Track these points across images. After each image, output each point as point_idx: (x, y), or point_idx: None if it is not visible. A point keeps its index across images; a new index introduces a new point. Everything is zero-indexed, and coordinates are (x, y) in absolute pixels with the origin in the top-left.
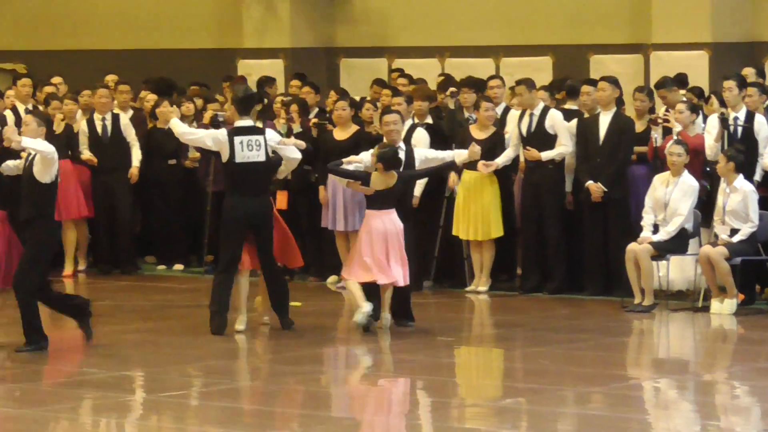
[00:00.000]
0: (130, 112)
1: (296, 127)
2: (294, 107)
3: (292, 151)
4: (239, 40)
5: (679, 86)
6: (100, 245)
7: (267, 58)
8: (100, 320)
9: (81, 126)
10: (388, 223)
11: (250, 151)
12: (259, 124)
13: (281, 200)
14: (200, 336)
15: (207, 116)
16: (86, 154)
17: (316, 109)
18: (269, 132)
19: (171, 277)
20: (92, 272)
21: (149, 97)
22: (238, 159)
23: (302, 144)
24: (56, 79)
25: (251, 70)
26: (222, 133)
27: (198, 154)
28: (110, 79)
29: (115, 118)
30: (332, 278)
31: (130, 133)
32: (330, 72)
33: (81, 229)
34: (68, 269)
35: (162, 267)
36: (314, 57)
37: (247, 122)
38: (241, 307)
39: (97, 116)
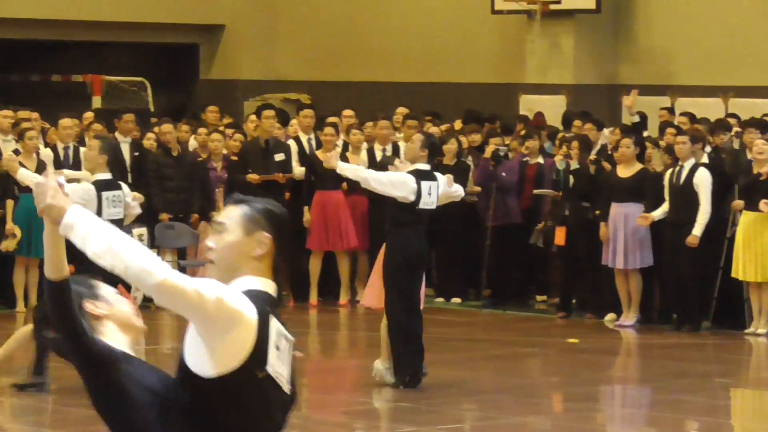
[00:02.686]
0: None
1: (574, 164)
2: (575, 143)
3: (136, 208)
4: (522, 75)
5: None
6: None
7: (549, 93)
8: (370, 351)
9: (361, 156)
10: None
11: (114, 208)
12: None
13: (560, 236)
14: (476, 370)
15: (488, 150)
16: None
17: (598, 146)
18: (125, 187)
19: (449, 310)
20: None
21: (431, 130)
22: (106, 216)
23: (141, 198)
24: (347, 112)
25: (533, 105)
26: (90, 188)
27: (478, 188)
28: (400, 112)
29: (396, 150)
30: (610, 316)
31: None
32: (612, 109)
33: (362, 260)
34: (343, 298)
35: (440, 300)
36: (596, 93)
37: (108, 176)
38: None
39: (377, 146)
